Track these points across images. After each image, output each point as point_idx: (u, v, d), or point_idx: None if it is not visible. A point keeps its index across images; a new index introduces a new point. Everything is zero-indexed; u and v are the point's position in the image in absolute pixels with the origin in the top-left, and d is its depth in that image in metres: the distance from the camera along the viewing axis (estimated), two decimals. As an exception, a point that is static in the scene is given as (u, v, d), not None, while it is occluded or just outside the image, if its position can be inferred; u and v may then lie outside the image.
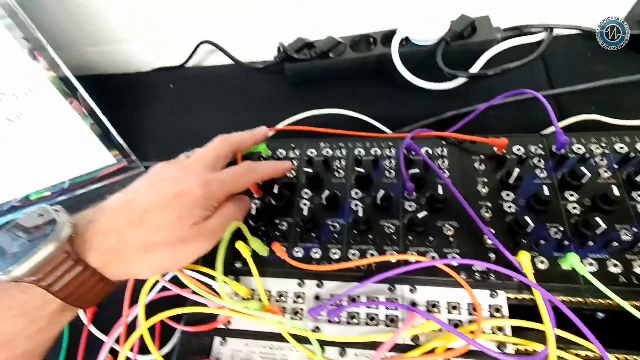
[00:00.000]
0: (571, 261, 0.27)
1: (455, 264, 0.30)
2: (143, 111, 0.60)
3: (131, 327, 0.33)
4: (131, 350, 0.37)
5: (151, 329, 0.38)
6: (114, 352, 0.37)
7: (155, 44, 0.63)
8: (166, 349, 0.38)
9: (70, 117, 0.49)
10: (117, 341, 0.36)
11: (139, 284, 0.33)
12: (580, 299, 0.28)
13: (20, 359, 0.24)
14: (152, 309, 0.32)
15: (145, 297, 0.31)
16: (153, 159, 0.54)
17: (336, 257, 0.32)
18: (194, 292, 0.29)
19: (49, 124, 0.49)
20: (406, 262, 0.30)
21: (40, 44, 0.44)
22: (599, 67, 0.47)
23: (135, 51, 0.64)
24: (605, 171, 0.32)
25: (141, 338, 0.31)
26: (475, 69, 0.49)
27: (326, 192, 0.33)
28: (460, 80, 0.49)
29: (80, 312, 0.43)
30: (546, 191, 0.30)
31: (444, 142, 0.36)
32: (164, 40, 0.62)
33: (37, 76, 0.45)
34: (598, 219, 0.28)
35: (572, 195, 0.31)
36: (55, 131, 0.50)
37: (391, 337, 0.26)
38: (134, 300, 0.33)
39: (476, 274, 0.29)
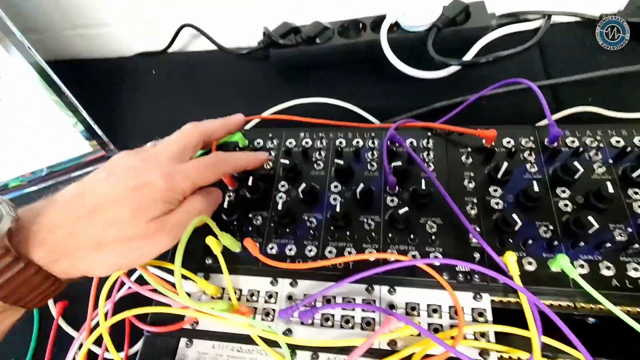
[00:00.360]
0: (560, 263, 0.25)
1: (437, 263, 0.28)
2: (124, 97, 0.58)
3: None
4: (98, 345, 0.35)
5: (122, 328, 0.37)
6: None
7: (136, 27, 0.60)
8: (137, 347, 0.36)
9: (47, 107, 0.47)
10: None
11: (105, 280, 0.31)
12: (570, 304, 0.26)
13: None
14: (125, 305, 0.30)
15: (105, 297, 0.29)
16: (133, 148, 0.52)
17: (312, 254, 0.30)
18: (154, 291, 0.27)
19: (26, 112, 0.47)
20: (386, 261, 0.28)
21: (12, 32, 0.41)
22: (599, 57, 0.44)
23: (116, 35, 0.61)
24: (599, 166, 0.30)
25: (114, 334, 0.30)
26: (468, 57, 0.47)
27: (303, 185, 0.31)
28: (452, 69, 0.46)
29: (50, 306, 0.42)
30: (536, 187, 0.28)
31: (429, 134, 0.34)
32: (146, 23, 0.59)
33: (13, 65, 0.43)
34: (590, 218, 0.26)
35: (564, 191, 0.29)
36: (33, 120, 0.48)
37: (364, 342, 0.24)
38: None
39: (459, 275, 0.28)
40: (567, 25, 0.48)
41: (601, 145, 0.31)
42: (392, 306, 0.27)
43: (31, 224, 0.23)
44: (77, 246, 0.23)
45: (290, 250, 0.30)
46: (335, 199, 0.32)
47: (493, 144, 0.32)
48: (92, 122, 0.50)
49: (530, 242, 0.27)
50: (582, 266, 0.26)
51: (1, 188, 0.53)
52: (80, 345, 0.37)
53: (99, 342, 0.36)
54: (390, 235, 0.30)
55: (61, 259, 0.23)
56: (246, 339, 0.28)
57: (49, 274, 0.23)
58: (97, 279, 0.33)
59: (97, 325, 0.33)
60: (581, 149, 0.30)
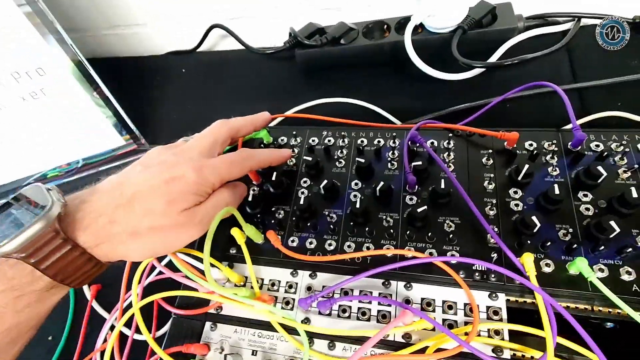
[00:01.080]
0: (579, 265, 0.25)
1: (454, 262, 0.28)
2: (155, 94, 0.61)
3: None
4: (128, 327, 0.38)
5: (150, 311, 0.39)
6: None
7: (169, 27, 0.63)
8: (163, 330, 0.38)
9: (85, 102, 0.51)
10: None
11: (136, 265, 0.34)
12: (587, 307, 0.26)
13: (8, 333, 0.24)
14: (152, 291, 0.32)
15: (138, 281, 0.31)
16: (162, 142, 0.54)
17: (331, 248, 0.31)
18: (185, 276, 0.29)
19: (65, 107, 0.50)
20: (403, 258, 0.29)
21: (57, 30, 0.45)
22: (630, 61, 0.43)
23: (149, 34, 0.64)
24: (624, 171, 0.29)
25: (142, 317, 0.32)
26: (492, 59, 0.47)
27: (324, 182, 0.33)
28: (476, 71, 0.46)
29: (85, 289, 0.45)
30: (557, 190, 0.28)
31: (451, 135, 0.34)
32: (177, 24, 0.62)
33: (54, 62, 0.46)
34: (612, 223, 0.26)
35: (585, 195, 0.29)
36: (71, 115, 0.51)
37: (378, 332, 0.25)
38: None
39: (476, 274, 0.28)
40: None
41: (627, 149, 0.30)
42: (407, 301, 0.28)
43: (76, 210, 0.25)
44: (116, 232, 0.25)
45: (310, 243, 0.32)
46: (355, 196, 0.33)
47: (515, 146, 0.32)
48: (126, 117, 0.52)
49: (548, 244, 0.27)
50: (601, 270, 0.26)
51: (40, 178, 0.56)
52: (112, 327, 0.40)
53: (127, 324, 0.38)
54: (408, 232, 0.30)
55: (103, 243, 0.25)
56: (266, 326, 0.29)
57: (91, 256, 0.25)
58: (129, 266, 0.35)
59: (128, 307, 0.35)
60: (605, 153, 0.30)
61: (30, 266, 0.23)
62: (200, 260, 0.31)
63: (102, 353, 0.39)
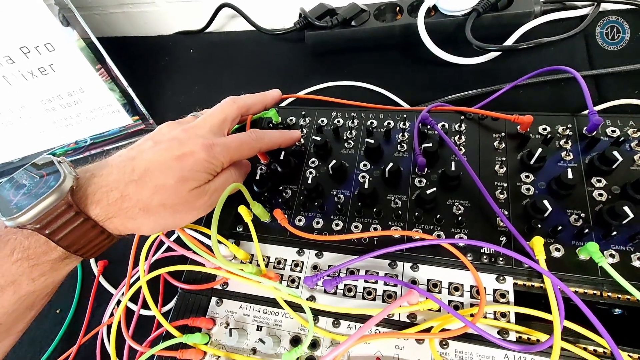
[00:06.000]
0: (590, 250, 0.25)
1: (461, 244, 0.28)
2: (163, 75, 0.60)
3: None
4: (134, 302, 0.38)
5: (156, 287, 0.39)
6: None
7: (177, 7, 0.62)
8: (169, 306, 0.39)
9: (94, 80, 0.50)
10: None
11: (143, 241, 0.34)
12: (596, 292, 0.26)
13: (25, 300, 0.24)
14: (158, 268, 0.32)
15: (145, 256, 0.31)
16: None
17: (338, 228, 0.31)
18: (192, 252, 0.29)
19: (74, 85, 0.50)
20: (410, 239, 0.29)
21: (70, 10, 0.44)
22: (649, 48, 0.42)
23: (157, 14, 0.63)
24: (640, 157, 0.29)
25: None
26: (507, 43, 0.45)
27: (333, 162, 0.32)
28: (490, 56, 0.45)
29: (92, 265, 0.45)
30: (570, 174, 0.28)
31: (462, 118, 0.34)
32: (186, 3, 0.61)
33: (66, 41, 0.46)
34: (626, 208, 0.26)
35: (599, 181, 0.29)
36: (80, 92, 0.51)
37: (382, 310, 0.25)
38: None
39: (484, 256, 0.28)
40: (616, 13, 0.46)
41: (644, 136, 0.30)
42: (414, 282, 0.28)
43: (88, 184, 0.25)
44: (127, 207, 0.25)
45: (317, 223, 0.32)
46: (363, 177, 0.33)
47: (528, 130, 0.32)
48: (134, 97, 0.52)
49: (559, 229, 0.27)
50: (612, 256, 0.26)
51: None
52: (118, 302, 0.40)
53: (133, 300, 0.39)
54: (416, 214, 0.30)
55: (114, 217, 0.25)
56: (272, 303, 0.29)
57: (103, 229, 0.25)
58: (137, 242, 0.35)
59: (134, 283, 0.35)
60: (622, 139, 0.29)
61: (44, 237, 0.23)
62: (207, 236, 0.31)
63: (109, 327, 0.40)
